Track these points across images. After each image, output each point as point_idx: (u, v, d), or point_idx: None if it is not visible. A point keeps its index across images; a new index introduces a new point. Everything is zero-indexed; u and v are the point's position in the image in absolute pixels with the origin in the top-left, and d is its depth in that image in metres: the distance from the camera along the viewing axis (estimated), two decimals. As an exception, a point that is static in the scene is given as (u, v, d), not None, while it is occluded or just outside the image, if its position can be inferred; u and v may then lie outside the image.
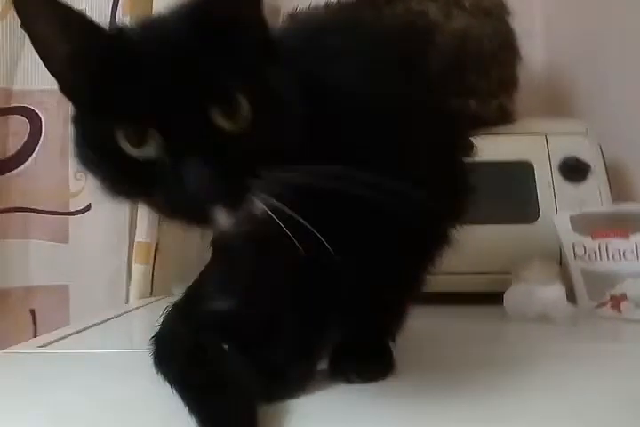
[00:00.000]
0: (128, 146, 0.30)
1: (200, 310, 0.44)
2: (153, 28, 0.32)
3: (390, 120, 0.35)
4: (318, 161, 0.29)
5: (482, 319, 0.59)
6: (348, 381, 0.38)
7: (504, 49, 0.76)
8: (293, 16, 0.70)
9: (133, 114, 0.29)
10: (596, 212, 0.60)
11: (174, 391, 0.36)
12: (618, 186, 0.75)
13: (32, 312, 0.84)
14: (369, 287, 0.38)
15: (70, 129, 0.32)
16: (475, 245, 0.66)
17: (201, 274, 0.48)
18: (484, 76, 0.74)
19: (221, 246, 0.45)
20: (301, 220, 0.30)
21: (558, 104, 0.95)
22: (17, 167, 0.83)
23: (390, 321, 0.42)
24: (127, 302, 0.81)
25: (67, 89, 0.32)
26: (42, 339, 0.57)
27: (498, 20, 0.76)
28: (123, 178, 0.31)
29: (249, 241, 0.37)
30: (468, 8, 0.75)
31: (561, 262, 0.63)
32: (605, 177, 0.70)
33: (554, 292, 0.56)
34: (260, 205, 0.30)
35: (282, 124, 0.31)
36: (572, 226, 0.60)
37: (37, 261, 0.83)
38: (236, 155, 0.29)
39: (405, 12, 0.75)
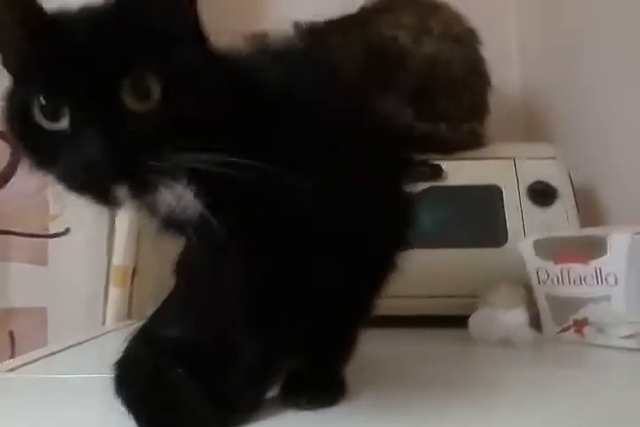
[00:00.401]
0: (42, 118, 0.31)
1: (160, 336, 0.45)
2: (85, 11, 0.33)
3: (324, 139, 0.36)
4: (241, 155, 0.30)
5: (446, 343, 0.60)
6: (299, 407, 0.39)
7: (474, 75, 0.78)
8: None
9: (48, 87, 0.31)
10: (559, 237, 0.61)
11: (131, 417, 0.36)
12: (590, 210, 0.77)
13: (10, 334, 0.85)
14: (317, 314, 0.39)
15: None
16: (443, 268, 0.68)
17: (165, 299, 0.48)
18: (454, 100, 0.76)
19: (182, 271, 0.46)
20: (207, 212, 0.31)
21: (533, 128, 0.96)
22: (-3, 190, 0.84)
23: (340, 347, 0.43)
24: (104, 324, 0.81)
25: (4, 62, 0.34)
26: (12, 363, 0.57)
27: (467, 46, 0.78)
28: (38, 150, 0.32)
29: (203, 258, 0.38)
30: (436, 35, 0.77)
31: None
32: (573, 201, 0.71)
33: (516, 316, 0.57)
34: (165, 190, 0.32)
35: (192, 111, 0.32)
36: (535, 251, 0.60)
37: (17, 283, 0.84)
38: (139, 133, 0.31)
39: (374, 35, 0.77)
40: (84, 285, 0.82)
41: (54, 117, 0.31)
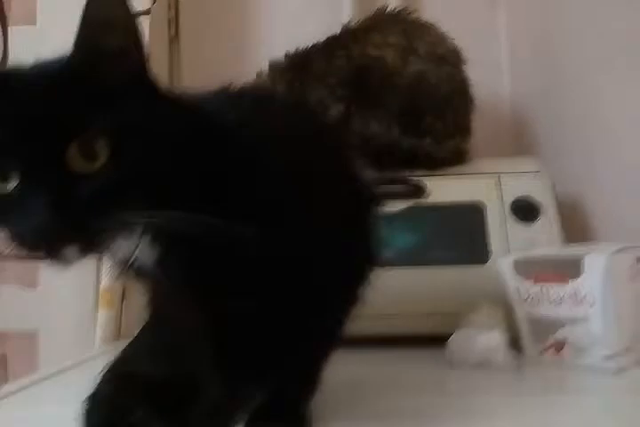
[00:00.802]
0: None
1: (128, 372, 0.45)
2: (35, 68, 0.33)
3: (281, 181, 0.36)
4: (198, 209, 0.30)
5: (425, 364, 0.59)
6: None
7: (458, 94, 0.78)
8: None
9: None
10: (538, 256, 0.60)
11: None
12: (575, 225, 0.76)
13: (3, 357, 0.85)
14: (279, 351, 0.38)
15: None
16: (425, 286, 0.68)
17: (137, 334, 0.49)
18: (439, 118, 0.76)
19: (152, 307, 0.46)
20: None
21: (521, 143, 0.96)
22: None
23: (305, 381, 0.43)
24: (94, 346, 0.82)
25: None
26: (4, 389, 0.58)
27: (452, 66, 0.78)
28: None
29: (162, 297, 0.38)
30: (422, 55, 0.77)
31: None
32: (557, 217, 0.71)
33: (494, 339, 0.56)
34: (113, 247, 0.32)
35: (140, 169, 0.32)
36: (515, 270, 0.60)
37: (7, 305, 0.85)
38: (85, 196, 0.31)
39: (361, 56, 0.77)
40: (74, 307, 0.83)
41: (3, 179, 0.31)
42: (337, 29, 0.82)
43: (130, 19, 0.33)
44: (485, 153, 0.83)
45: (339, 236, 0.39)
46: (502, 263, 0.61)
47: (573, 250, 0.59)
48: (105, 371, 0.47)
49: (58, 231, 0.30)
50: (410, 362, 0.62)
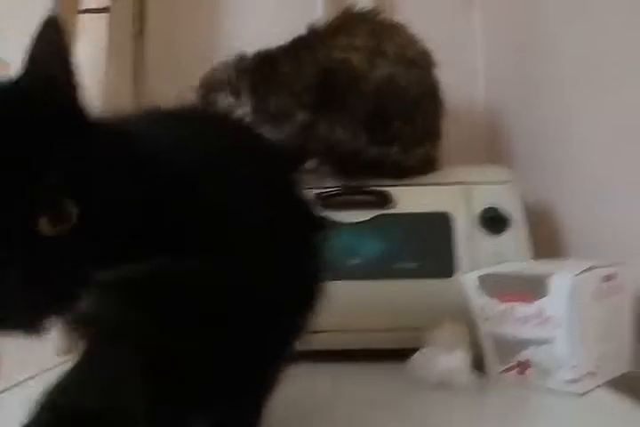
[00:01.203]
0: None
1: (60, 402, 0.42)
2: None
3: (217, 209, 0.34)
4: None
5: (386, 381, 0.57)
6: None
7: (428, 98, 0.75)
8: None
9: None
10: (503, 273, 0.58)
11: None
12: (545, 238, 0.74)
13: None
14: (221, 386, 0.36)
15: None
16: (389, 299, 0.66)
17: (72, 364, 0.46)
18: (408, 123, 0.73)
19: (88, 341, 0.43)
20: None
21: (494, 151, 0.94)
22: None
23: (249, 409, 0.40)
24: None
25: None
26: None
27: (422, 69, 0.75)
28: None
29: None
30: (391, 57, 0.74)
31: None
32: (526, 229, 0.69)
33: (456, 359, 0.54)
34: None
35: (111, 219, 0.30)
36: (480, 287, 0.58)
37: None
38: (58, 259, 0.28)
39: (327, 59, 0.74)
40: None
41: None
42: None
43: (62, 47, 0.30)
44: (457, 160, 0.81)
45: (285, 261, 0.37)
46: (467, 280, 0.59)
47: (540, 269, 0.57)
48: (38, 401, 0.45)
49: (32, 305, 0.27)
50: (369, 378, 0.60)
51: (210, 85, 0.79)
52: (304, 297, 0.41)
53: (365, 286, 0.67)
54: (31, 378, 0.63)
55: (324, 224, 0.45)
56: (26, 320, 0.28)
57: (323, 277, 0.42)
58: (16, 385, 0.60)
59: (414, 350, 0.57)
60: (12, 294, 0.27)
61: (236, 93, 0.77)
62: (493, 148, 0.96)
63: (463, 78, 1.00)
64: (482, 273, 0.59)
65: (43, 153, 0.28)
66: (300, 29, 0.79)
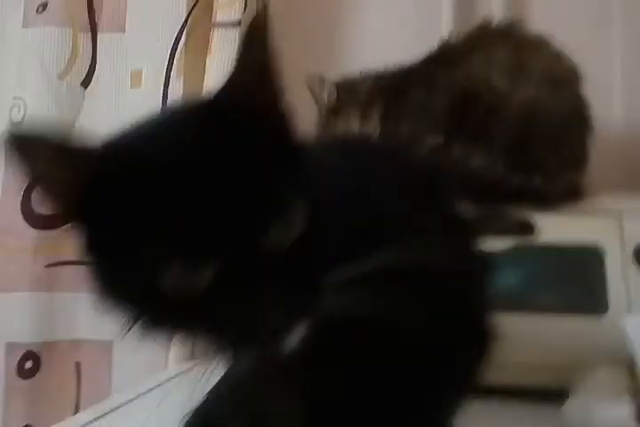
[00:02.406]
0: (175, 278, 0.27)
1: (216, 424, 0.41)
2: (160, 141, 0.29)
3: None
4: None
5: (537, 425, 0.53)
6: None
7: (575, 121, 0.70)
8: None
9: (189, 245, 0.27)
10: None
11: None
12: None
13: (77, 365, 0.85)
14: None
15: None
16: (532, 335, 0.62)
17: (219, 382, 0.45)
18: (553, 151, 0.69)
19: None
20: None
21: (635, 177, 0.88)
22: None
23: None
24: (166, 362, 0.79)
25: (83, 227, 0.30)
26: (81, 418, 0.56)
27: (570, 89, 0.71)
28: (164, 313, 0.29)
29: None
30: (536, 76, 0.70)
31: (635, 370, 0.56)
32: (688, 268, 0.63)
33: (619, 410, 0.49)
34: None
35: (325, 230, 0.30)
36: (645, 330, 0.53)
37: (84, 314, 0.84)
38: (295, 268, 0.28)
39: (464, 80, 0.71)
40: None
41: (190, 280, 0.27)
42: (434, 41, 0.77)
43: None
44: (594, 189, 0.76)
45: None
46: (629, 322, 0.54)
47: None
48: (188, 421, 0.44)
49: (298, 309, 0.28)
50: (518, 419, 0.56)
51: (339, 99, 0.78)
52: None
53: (502, 319, 0.63)
54: (142, 395, 0.63)
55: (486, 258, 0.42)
56: (271, 329, 0.27)
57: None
58: (128, 402, 0.61)
59: (556, 390, 0.53)
60: (259, 302, 0.27)
61: (366, 115, 0.75)
62: (630, 172, 0.90)
63: (598, 98, 0.94)
64: (647, 316, 0.53)
65: (269, 164, 0.28)
66: (424, 44, 0.76)
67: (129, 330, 0.30)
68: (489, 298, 0.41)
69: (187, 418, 0.43)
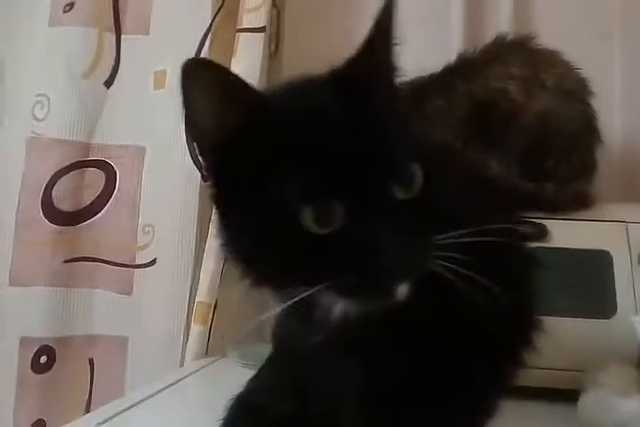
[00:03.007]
0: (311, 223, 0.30)
1: (259, 408, 0.43)
2: (311, 101, 0.33)
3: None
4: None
5: (551, 424, 0.56)
6: None
7: (586, 132, 0.73)
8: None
9: (325, 187, 0.30)
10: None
11: None
12: None
13: (91, 361, 0.85)
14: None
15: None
16: (545, 337, 0.64)
17: (263, 368, 0.47)
18: (564, 160, 0.72)
19: (284, 345, 0.44)
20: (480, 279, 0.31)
21: (634, 187, 0.91)
22: (90, 218, 0.85)
23: None
24: (182, 359, 0.81)
25: (219, 170, 0.33)
26: (98, 415, 0.56)
27: (581, 101, 0.74)
28: (296, 259, 0.30)
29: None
30: (550, 88, 0.73)
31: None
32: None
33: (633, 405, 0.52)
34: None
35: (445, 189, 0.33)
36: (655, 331, 0.56)
37: (100, 310, 0.85)
38: (414, 222, 0.30)
39: (481, 90, 0.74)
40: (165, 317, 0.82)
41: (324, 221, 0.30)
42: (444, 54, 0.80)
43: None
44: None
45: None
46: (637, 322, 0.57)
47: None
48: (232, 405, 0.46)
49: (412, 264, 0.30)
50: (532, 418, 0.58)
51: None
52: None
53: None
54: (159, 392, 0.64)
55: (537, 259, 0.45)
56: (389, 282, 0.30)
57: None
58: (145, 400, 0.61)
59: (568, 391, 0.56)
60: (395, 261, 0.29)
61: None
62: (631, 184, 0.93)
63: (598, 110, 0.97)
64: (657, 317, 0.56)
65: (391, 128, 0.32)
66: (435, 56, 0.79)
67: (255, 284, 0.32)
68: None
69: (230, 402, 0.45)
